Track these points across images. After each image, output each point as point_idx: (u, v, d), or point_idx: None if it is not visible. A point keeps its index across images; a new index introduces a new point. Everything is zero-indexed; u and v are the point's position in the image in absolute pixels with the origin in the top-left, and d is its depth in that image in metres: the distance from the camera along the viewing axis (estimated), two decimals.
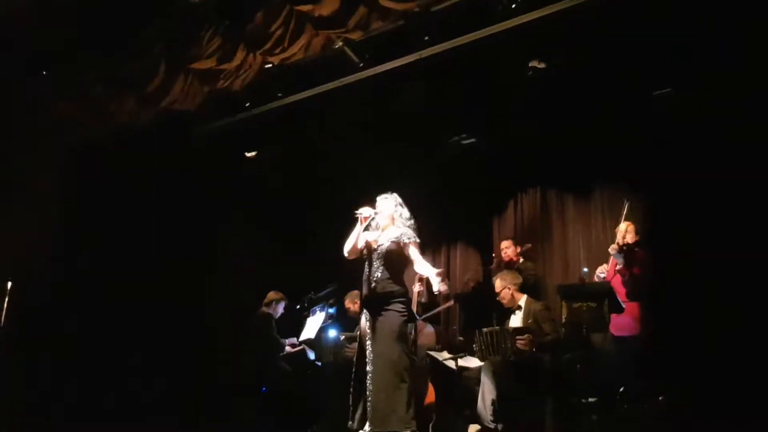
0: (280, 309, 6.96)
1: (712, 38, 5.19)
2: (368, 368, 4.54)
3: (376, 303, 4.62)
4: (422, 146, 7.36)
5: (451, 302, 6.98)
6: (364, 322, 4.70)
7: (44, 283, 7.06)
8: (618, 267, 5.69)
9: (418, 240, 4.70)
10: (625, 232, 5.73)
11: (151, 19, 5.79)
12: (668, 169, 5.88)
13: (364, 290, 4.73)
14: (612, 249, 5.69)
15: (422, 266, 4.67)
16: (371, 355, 4.56)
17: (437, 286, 4.54)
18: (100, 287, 7.42)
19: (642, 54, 5.59)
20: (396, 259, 4.68)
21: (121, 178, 7.56)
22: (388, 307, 4.57)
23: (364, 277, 4.73)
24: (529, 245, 6.73)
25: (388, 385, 4.44)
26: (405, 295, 4.66)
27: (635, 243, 5.70)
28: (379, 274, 4.66)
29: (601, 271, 5.79)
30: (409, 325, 5.48)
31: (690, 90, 5.75)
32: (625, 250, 5.60)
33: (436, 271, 4.56)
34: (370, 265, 4.71)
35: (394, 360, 4.48)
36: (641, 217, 6.08)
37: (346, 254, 4.79)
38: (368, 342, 4.60)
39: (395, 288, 4.61)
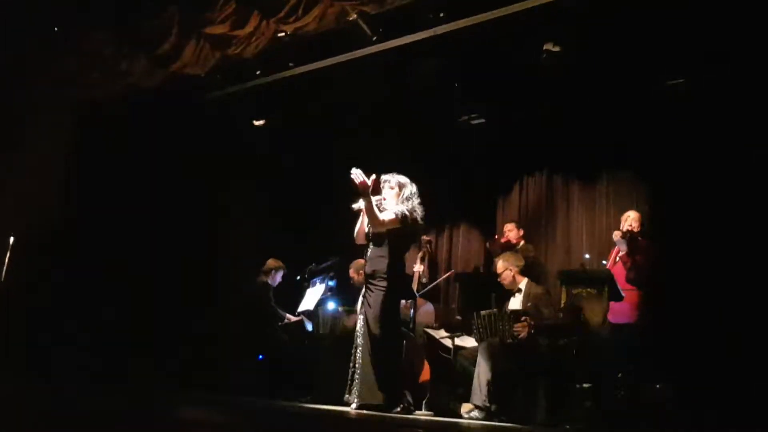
0: (279, 278, 6.98)
1: (729, 28, 5.14)
2: (359, 341, 4.68)
3: (366, 280, 4.79)
4: (431, 124, 7.33)
5: (452, 272, 7.01)
6: (362, 298, 4.84)
7: (45, 240, 7.08)
8: (620, 254, 5.71)
9: (398, 211, 4.73)
10: (630, 219, 5.74)
11: None
12: (676, 160, 5.87)
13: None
14: (615, 235, 5.70)
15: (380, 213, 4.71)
16: (361, 331, 4.70)
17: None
18: (99, 249, 7.45)
19: (657, 42, 5.55)
20: (382, 237, 4.76)
21: (126, 138, 7.55)
22: (373, 283, 4.70)
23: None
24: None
25: (371, 360, 4.56)
26: (391, 272, 4.70)
27: (639, 232, 5.70)
28: (369, 252, 4.81)
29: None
30: (408, 301, 5.57)
31: (702, 81, 5.72)
32: (628, 238, 5.61)
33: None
34: (368, 245, 4.87)
35: (376, 335, 4.59)
36: (647, 207, 6.09)
37: (356, 240, 4.98)
38: (360, 317, 4.76)
39: (380, 265, 4.71)
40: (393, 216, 4.71)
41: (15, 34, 6.52)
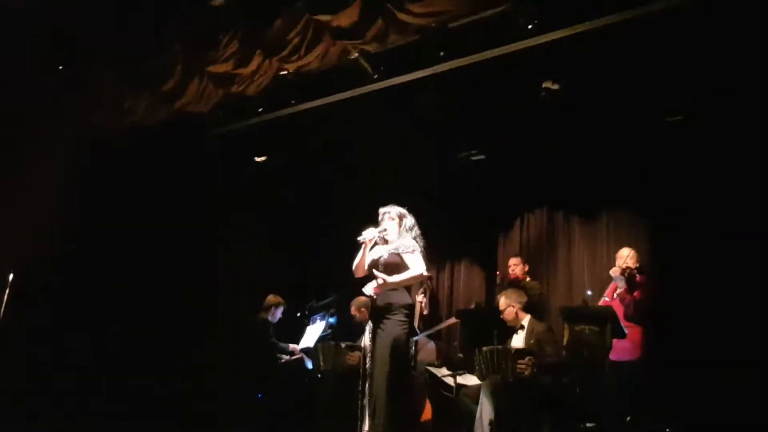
0: (279, 314, 6.93)
1: (726, 65, 5.20)
2: (368, 380, 4.55)
3: (377, 314, 4.65)
4: (431, 160, 7.38)
5: (453, 320, 6.96)
6: (368, 333, 4.71)
7: (46, 276, 7.07)
8: (618, 291, 5.69)
9: (417, 248, 4.71)
10: (627, 257, 5.74)
11: (171, 18, 5.81)
12: (676, 195, 5.90)
13: (371, 302, 4.77)
14: (613, 272, 5.69)
15: (408, 271, 4.66)
16: (371, 368, 4.56)
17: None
18: (100, 285, 7.43)
19: (654, 79, 5.61)
20: (395, 270, 4.68)
21: (128, 175, 7.58)
22: (389, 317, 4.58)
23: None
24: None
25: (385, 396, 4.44)
26: (407, 307, 4.65)
27: (636, 268, 5.70)
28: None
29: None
30: (411, 339, 5.49)
31: (700, 117, 5.77)
32: (626, 275, 5.60)
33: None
34: (375, 277, 4.71)
35: (391, 371, 4.48)
36: (647, 242, 6.11)
37: (354, 272, 4.83)
38: (369, 353, 4.63)
39: (395, 299, 4.62)
40: (420, 259, 4.68)
41: (18, 68, 6.59)
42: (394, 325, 4.56)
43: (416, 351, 5.94)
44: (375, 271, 4.63)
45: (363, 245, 4.74)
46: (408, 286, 4.76)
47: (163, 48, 6.04)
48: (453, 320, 6.90)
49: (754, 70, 5.15)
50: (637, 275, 5.64)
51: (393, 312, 4.59)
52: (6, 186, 7.05)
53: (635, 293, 5.56)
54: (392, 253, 4.72)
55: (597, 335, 4.93)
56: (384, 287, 4.60)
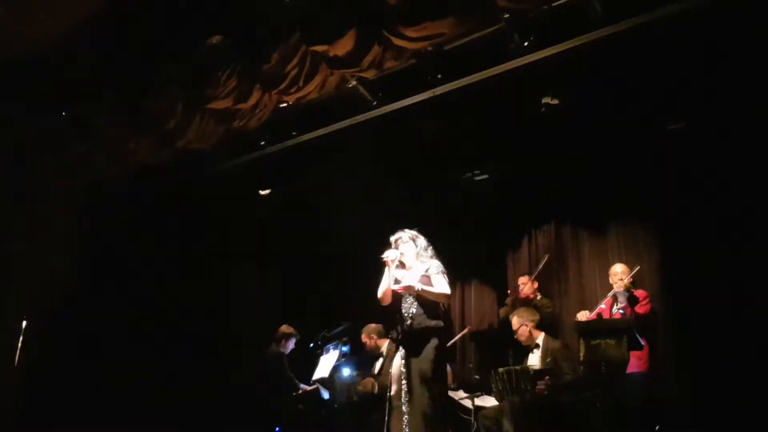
0: (291, 345, 6.87)
1: (727, 71, 5.19)
2: (404, 409, 4.41)
3: (413, 340, 4.55)
4: (436, 183, 7.37)
5: (468, 329, 6.89)
6: (399, 360, 4.59)
7: (59, 322, 7.07)
8: (620, 306, 5.60)
9: (444, 270, 4.68)
10: (621, 273, 5.71)
11: (170, 59, 5.87)
12: (683, 205, 5.87)
13: (400, 328, 4.63)
14: (619, 287, 5.61)
15: (436, 287, 4.60)
16: (407, 395, 4.43)
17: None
18: (112, 326, 7.43)
19: (656, 88, 5.60)
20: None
21: (137, 215, 7.62)
22: (427, 344, 4.51)
23: (399, 315, 4.65)
24: (547, 256, 6.63)
25: (425, 425, 4.34)
26: (442, 329, 4.59)
27: (632, 283, 5.69)
28: (414, 310, 4.60)
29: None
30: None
31: (705, 124, 5.76)
32: (629, 292, 5.57)
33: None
34: (404, 303, 4.65)
35: (431, 398, 4.39)
36: (655, 256, 6.07)
37: (380, 300, 4.71)
38: (404, 382, 4.47)
39: (431, 323, 4.56)
40: (446, 281, 4.65)
41: (20, 117, 6.66)
42: (431, 353, 4.47)
43: None
44: (405, 279, 4.55)
45: (386, 266, 4.65)
46: (438, 308, 4.67)
47: (163, 88, 6.09)
48: (467, 330, 6.84)
49: (754, 73, 5.14)
50: (634, 291, 5.62)
51: (431, 338, 4.50)
52: (9, 231, 7.09)
53: (636, 307, 5.50)
54: (424, 275, 4.64)
55: (614, 349, 4.87)
56: (410, 290, 4.54)
